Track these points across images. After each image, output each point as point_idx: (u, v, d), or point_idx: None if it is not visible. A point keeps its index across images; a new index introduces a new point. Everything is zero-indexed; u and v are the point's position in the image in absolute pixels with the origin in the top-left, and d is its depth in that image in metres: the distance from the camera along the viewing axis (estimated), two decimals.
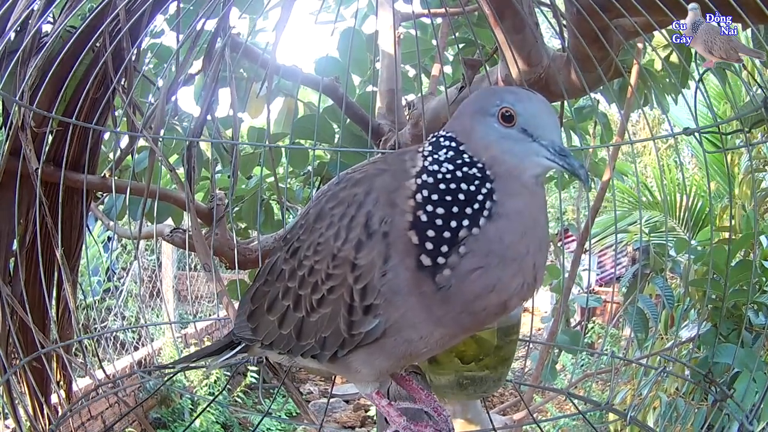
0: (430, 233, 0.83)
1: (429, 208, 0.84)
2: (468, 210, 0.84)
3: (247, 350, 1.18)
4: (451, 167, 0.86)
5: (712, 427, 1.81)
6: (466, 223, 0.83)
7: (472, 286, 0.84)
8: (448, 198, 0.84)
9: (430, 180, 0.86)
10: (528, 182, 0.86)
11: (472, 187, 0.84)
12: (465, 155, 0.87)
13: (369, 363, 0.95)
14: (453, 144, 0.88)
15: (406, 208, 0.85)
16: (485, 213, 0.83)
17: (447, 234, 0.83)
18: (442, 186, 0.85)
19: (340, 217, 0.90)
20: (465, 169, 0.86)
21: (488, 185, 0.85)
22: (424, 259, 0.83)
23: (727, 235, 3.34)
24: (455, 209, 0.84)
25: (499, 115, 0.86)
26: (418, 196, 0.85)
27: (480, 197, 0.84)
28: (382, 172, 0.92)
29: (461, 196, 0.84)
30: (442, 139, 0.90)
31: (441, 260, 0.83)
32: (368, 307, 0.87)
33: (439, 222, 0.83)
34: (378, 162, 0.98)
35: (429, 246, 0.83)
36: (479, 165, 0.86)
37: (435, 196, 0.85)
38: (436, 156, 0.88)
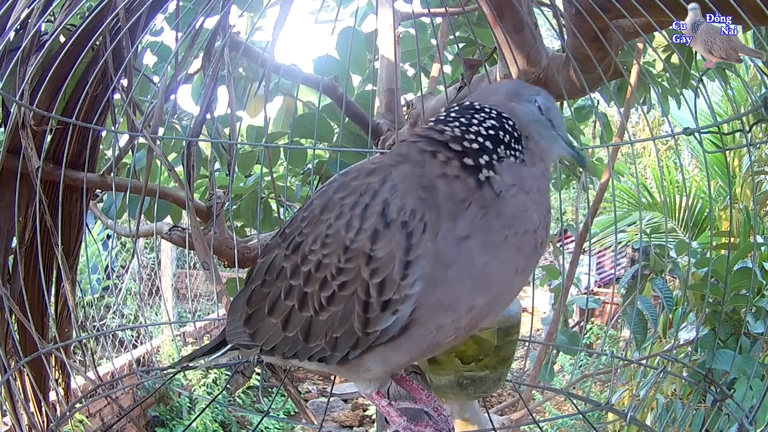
0: (481, 154, 0.88)
1: (475, 139, 0.89)
2: (504, 147, 0.90)
3: (239, 350, 1.14)
4: (494, 118, 0.93)
5: (708, 431, 1.81)
6: (502, 147, 0.90)
7: (514, 199, 0.87)
8: (492, 132, 0.90)
9: (475, 125, 0.91)
10: (548, 163, 0.97)
11: (512, 139, 0.92)
12: (509, 121, 0.93)
13: (385, 360, 0.92)
14: (495, 112, 0.94)
15: (447, 154, 0.88)
16: (517, 154, 0.91)
17: (494, 155, 0.89)
18: (486, 126, 0.91)
19: (352, 206, 0.86)
20: (506, 125, 0.92)
21: (521, 145, 0.93)
22: (482, 173, 0.86)
23: (726, 239, 3.34)
24: (497, 141, 0.90)
25: (536, 104, 0.97)
26: (465, 135, 0.90)
27: (517, 146, 0.92)
28: (397, 163, 0.89)
29: (502, 135, 0.91)
30: (487, 109, 0.94)
31: (492, 171, 0.87)
32: (386, 302, 0.83)
33: (488, 145, 0.89)
34: (384, 157, 0.96)
35: (482, 161, 0.87)
36: (517, 133, 0.93)
37: (481, 131, 0.90)
38: (476, 115, 0.93)
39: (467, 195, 0.85)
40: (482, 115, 0.93)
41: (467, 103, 0.97)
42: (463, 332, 0.91)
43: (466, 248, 0.83)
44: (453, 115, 0.94)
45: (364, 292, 0.84)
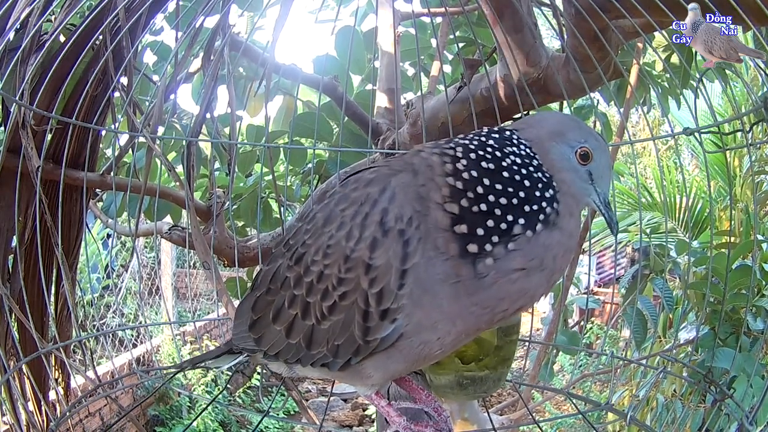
0: (483, 221, 0.82)
1: (484, 196, 0.83)
2: (526, 208, 0.83)
3: (250, 359, 1.16)
4: (518, 161, 0.86)
5: (709, 431, 1.81)
6: (522, 221, 0.83)
7: (510, 286, 0.83)
8: (511, 188, 0.84)
9: (490, 170, 0.84)
10: (578, 214, 0.91)
11: (537, 189, 0.85)
12: (535, 161, 0.87)
13: (383, 368, 0.92)
14: (526, 149, 0.88)
15: (444, 200, 0.83)
16: (542, 218, 0.84)
17: (503, 225, 0.82)
18: (505, 175, 0.84)
19: (353, 216, 0.86)
20: (531, 169, 0.86)
21: (551, 192, 0.86)
22: (471, 246, 0.81)
23: (727, 238, 3.34)
24: (514, 201, 0.83)
25: (578, 151, 0.90)
26: (469, 190, 0.83)
27: (543, 202, 0.85)
28: (397, 172, 0.88)
29: (522, 194, 0.84)
30: (515, 140, 0.89)
31: (488, 248, 0.81)
32: (385, 311, 0.84)
33: (497, 211, 0.82)
34: (389, 163, 0.94)
35: (480, 232, 0.81)
36: (547, 174, 0.87)
37: (496, 186, 0.83)
38: (499, 150, 0.87)
39: (447, 251, 0.82)
40: (509, 149, 0.87)
41: (507, 131, 0.90)
42: (449, 348, 0.92)
43: (438, 289, 0.83)
44: (474, 144, 0.88)
45: (364, 301, 0.85)
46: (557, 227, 0.85)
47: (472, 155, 0.86)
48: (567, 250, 0.87)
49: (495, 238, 0.82)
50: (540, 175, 0.86)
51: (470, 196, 0.83)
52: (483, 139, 0.89)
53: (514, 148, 0.87)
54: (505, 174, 0.84)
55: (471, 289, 0.82)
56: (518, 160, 0.86)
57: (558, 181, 0.88)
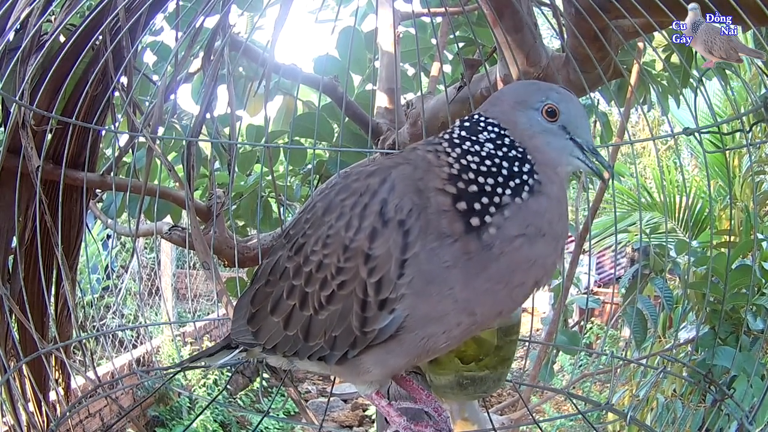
0: (478, 198, 0.85)
1: (474, 179, 0.86)
2: (511, 183, 0.86)
3: (247, 353, 1.16)
4: (492, 147, 0.89)
5: (709, 431, 1.81)
6: (508, 191, 0.86)
7: (516, 254, 0.85)
8: (494, 170, 0.87)
9: (475, 159, 0.87)
10: (561, 175, 0.92)
11: (515, 167, 0.87)
12: (507, 139, 0.90)
13: (382, 362, 0.92)
14: (495, 129, 0.90)
15: (442, 187, 0.85)
16: (526, 188, 0.86)
17: (496, 199, 0.85)
18: (487, 162, 0.87)
19: (352, 206, 0.87)
20: (505, 149, 0.89)
21: (528, 166, 0.88)
22: (474, 220, 0.83)
23: (726, 238, 3.34)
24: (500, 179, 0.86)
25: (543, 110, 0.91)
26: (462, 174, 0.86)
27: (524, 175, 0.87)
28: (397, 164, 0.90)
29: (504, 172, 0.87)
30: (482, 124, 0.91)
31: (488, 219, 0.84)
32: (383, 301, 0.84)
33: (487, 188, 0.85)
34: (390, 157, 0.96)
35: (477, 207, 0.84)
36: (520, 149, 0.89)
37: (481, 169, 0.87)
38: (474, 138, 0.90)
39: (453, 232, 0.84)
40: (482, 135, 0.90)
41: (475, 116, 0.93)
42: (456, 341, 0.92)
43: (447, 276, 0.84)
44: (459, 133, 0.91)
45: (362, 291, 0.85)
46: (543, 194, 0.87)
47: (458, 149, 0.89)
48: (560, 215, 0.89)
49: (492, 209, 0.85)
50: (514, 152, 0.89)
51: (465, 178, 0.86)
52: (462, 132, 0.91)
53: (485, 133, 0.90)
54: (488, 162, 0.87)
55: (482, 263, 0.84)
56: (491, 145, 0.89)
57: (532, 150, 0.90)
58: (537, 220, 0.86)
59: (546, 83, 0.98)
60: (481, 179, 0.86)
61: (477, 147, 0.89)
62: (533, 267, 0.87)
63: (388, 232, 0.83)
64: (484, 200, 0.85)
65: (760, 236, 2.99)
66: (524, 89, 0.96)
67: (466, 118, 0.94)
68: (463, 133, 0.91)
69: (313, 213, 0.94)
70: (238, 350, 1.16)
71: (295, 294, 0.94)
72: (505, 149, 0.89)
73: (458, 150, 0.89)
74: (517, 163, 0.88)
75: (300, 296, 0.93)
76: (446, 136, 0.92)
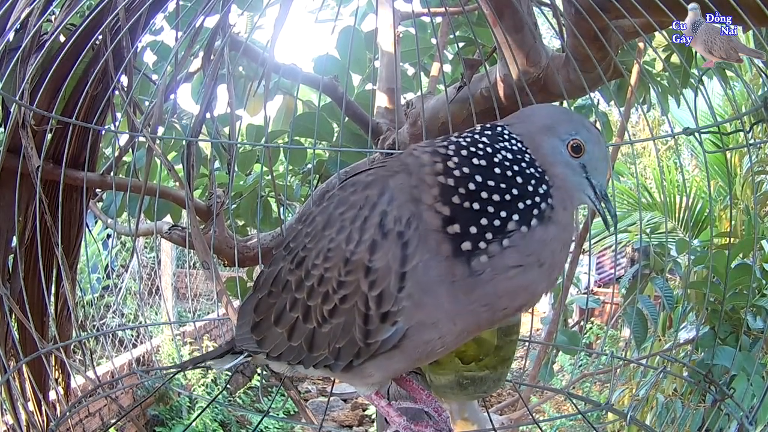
0: (476, 219, 0.81)
1: (475, 193, 0.82)
2: (520, 205, 0.83)
3: (251, 359, 1.16)
4: (510, 157, 0.86)
5: (709, 430, 1.81)
6: (516, 217, 0.82)
7: (507, 283, 0.82)
8: (503, 185, 0.83)
9: (483, 162, 0.84)
10: (575, 203, 0.91)
11: (530, 186, 0.84)
12: (527, 156, 0.87)
13: (384, 367, 0.92)
14: (517, 144, 0.88)
15: (434, 200, 0.82)
16: (536, 213, 0.83)
17: (496, 222, 0.82)
18: (497, 170, 0.84)
19: (352, 219, 0.86)
20: (524, 165, 0.86)
21: (545, 187, 0.86)
22: (465, 245, 0.81)
23: (727, 238, 3.34)
24: (507, 198, 0.83)
25: (570, 144, 0.89)
26: (460, 187, 0.83)
27: (537, 197, 0.84)
28: (394, 173, 0.88)
29: (515, 191, 0.83)
30: (506, 134, 0.88)
31: (482, 245, 0.81)
32: (385, 314, 0.84)
33: (490, 209, 0.82)
34: (386, 163, 0.94)
35: (473, 230, 0.81)
36: (540, 169, 0.87)
37: (488, 183, 0.83)
38: (490, 145, 0.87)
39: (439, 252, 0.82)
40: (501, 144, 0.86)
41: (498, 126, 0.90)
42: (451, 346, 0.92)
43: (437, 289, 0.83)
44: (467, 140, 0.88)
45: (364, 304, 0.85)
46: (552, 222, 0.85)
47: (464, 152, 0.86)
48: (564, 244, 0.87)
49: (489, 236, 0.81)
50: (533, 170, 0.86)
51: (462, 192, 0.82)
52: (476, 136, 0.89)
53: (506, 143, 0.87)
54: (497, 170, 0.84)
55: (467, 287, 0.82)
56: (510, 156, 0.86)
57: (551, 176, 0.87)
58: (540, 249, 0.84)
59: (579, 116, 0.96)
60: (484, 194, 0.82)
61: (489, 155, 0.85)
62: (522, 294, 0.85)
63: (388, 245, 0.82)
64: (483, 221, 0.81)
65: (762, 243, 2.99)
66: (556, 116, 0.94)
67: (489, 125, 0.91)
68: (483, 138, 0.88)
69: (313, 227, 0.92)
70: (243, 356, 1.16)
71: (298, 307, 0.93)
72: (523, 164, 0.85)
73: (464, 153, 0.85)
74: (533, 182, 0.85)
75: (303, 309, 0.92)
76: (457, 139, 0.89)
